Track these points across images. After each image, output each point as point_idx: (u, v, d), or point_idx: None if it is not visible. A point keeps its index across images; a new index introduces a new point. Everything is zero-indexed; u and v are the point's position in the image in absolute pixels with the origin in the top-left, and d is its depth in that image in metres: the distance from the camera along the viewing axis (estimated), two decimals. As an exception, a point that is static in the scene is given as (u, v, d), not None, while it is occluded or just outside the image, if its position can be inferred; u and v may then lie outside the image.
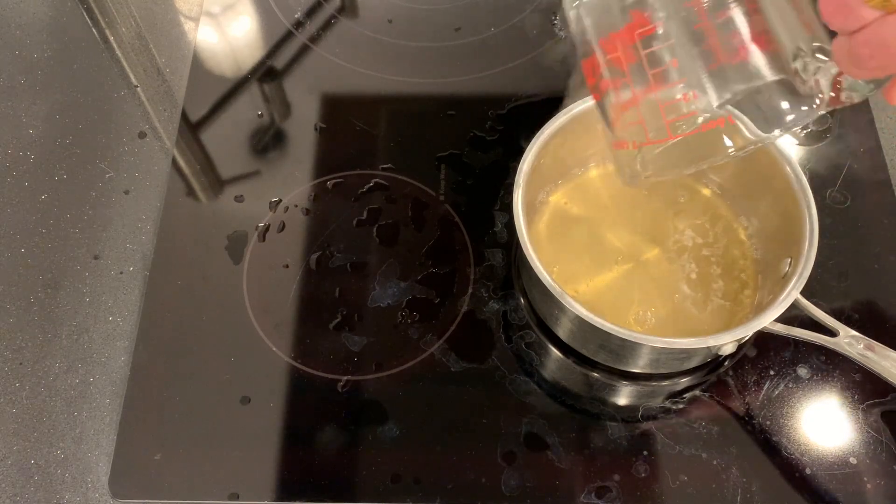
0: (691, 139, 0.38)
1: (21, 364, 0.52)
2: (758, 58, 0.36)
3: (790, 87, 0.36)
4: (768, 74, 0.36)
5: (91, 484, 0.49)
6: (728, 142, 0.38)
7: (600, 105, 0.42)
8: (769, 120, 0.37)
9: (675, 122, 0.37)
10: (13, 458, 0.49)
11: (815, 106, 0.36)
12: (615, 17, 0.38)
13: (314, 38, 0.67)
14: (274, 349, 0.52)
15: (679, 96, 0.37)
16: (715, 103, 0.37)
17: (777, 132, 0.37)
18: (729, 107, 0.37)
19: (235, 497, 0.47)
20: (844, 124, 0.61)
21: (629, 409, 0.50)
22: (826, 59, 0.35)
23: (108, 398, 0.51)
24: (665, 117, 0.38)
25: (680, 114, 0.37)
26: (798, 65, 0.36)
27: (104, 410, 0.51)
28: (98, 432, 0.50)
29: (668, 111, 0.37)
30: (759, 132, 0.37)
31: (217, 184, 0.60)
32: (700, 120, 0.37)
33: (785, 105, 0.36)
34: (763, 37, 0.36)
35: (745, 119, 0.37)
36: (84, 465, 0.49)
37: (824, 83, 0.35)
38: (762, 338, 0.51)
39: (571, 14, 0.40)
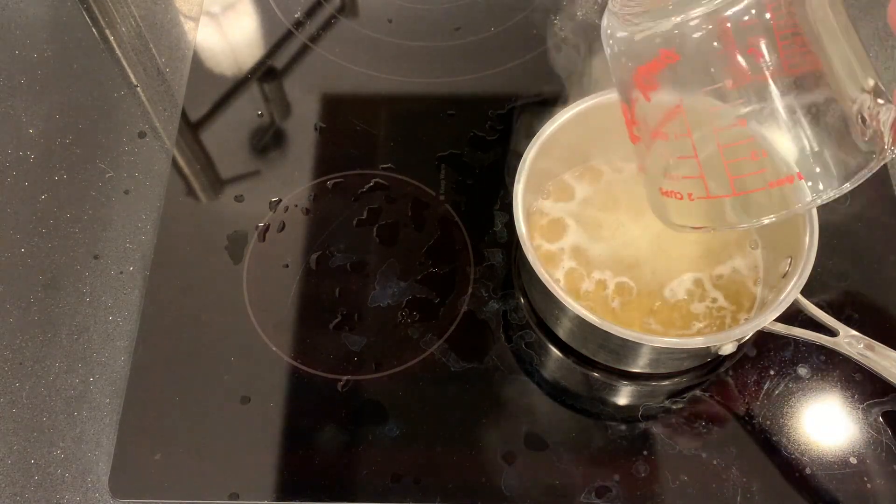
0: (749, 196, 0.37)
1: (21, 364, 0.52)
2: (828, 106, 0.34)
3: (848, 139, 0.35)
4: (837, 121, 0.34)
5: (91, 484, 0.49)
6: (793, 198, 0.36)
7: (640, 150, 0.41)
8: (836, 175, 0.35)
9: (741, 178, 0.36)
10: (13, 458, 0.49)
11: (880, 154, 0.34)
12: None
13: (314, 38, 0.67)
14: (274, 349, 0.52)
15: (746, 154, 0.36)
16: (790, 161, 0.35)
17: (847, 185, 0.35)
18: (800, 163, 0.35)
19: (235, 497, 0.47)
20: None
21: (629, 409, 0.50)
22: (884, 101, 0.34)
23: (108, 398, 0.51)
24: (730, 174, 0.37)
25: (747, 171, 0.36)
26: (860, 107, 0.34)
27: (104, 410, 0.51)
28: (98, 432, 0.50)
29: (734, 168, 0.36)
30: (822, 189, 0.36)
31: (217, 184, 0.60)
32: (769, 178, 0.36)
33: (851, 157, 0.35)
34: (822, 82, 0.34)
35: (813, 178, 0.36)
36: (84, 465, 0.49)
37: (885, 127, 0.34)
38: (762, 338, 0.51)
39: (609, 50, 0.38)
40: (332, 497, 0.47)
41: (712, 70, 0.35)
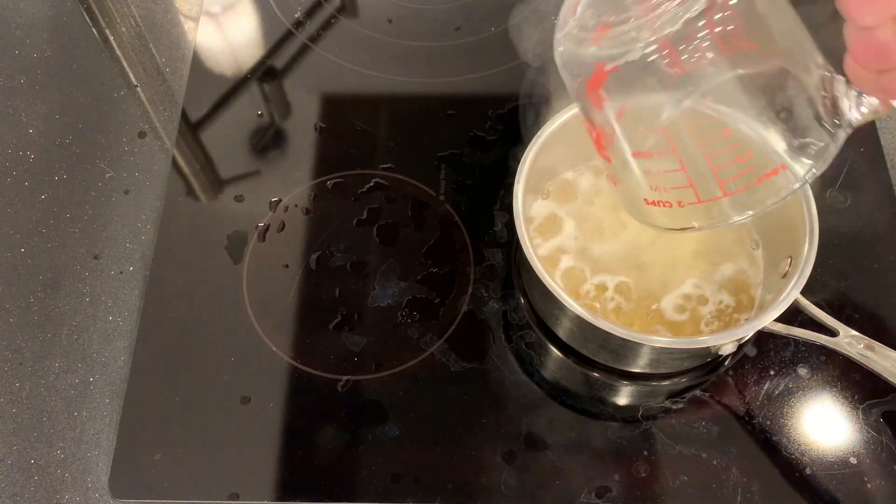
0: (738, 194, 0.37)
1: (21, 364, 0.52)
2: (794, 89, 0.35)
3: (816, 116, 0.35)
4: (803, 102, 0.35)
5: (91, 484, 0.49)
6: (778, 188, 0.37)
7: (616, 167, 0.41)
8: (812, 156, 0.36)
9: (729, 181, 0.37)
10: (13, 458, 0.49)
11: (845, 123, 0.35)
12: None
13: (314, 38, 0.67)
14: (274, 349, 0.52)
15: (733, 159, 0.36)
16: (772, 153, 0.36)
17: (822, 164, 0.36)
18: (782, 154, 0.36)
19: (235, 497, 0.47)
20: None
21: (629, 409, 0.50)
22: (835, 74, 0.35)
23: (108, 398, 0.51)
24: (719, 178, 0.37)
25: (736, 173, 0.37)
26: (817, 85, 0.34)
27: (104, 410, 0.51)
28: (98, 432, 0.50)
29: (723, 173, 0.37)
30: (801, 172, 0.36)
31: (217, 184, 0.60)
32: (755, 175, 0.37)
33: (821, 132, 0.35)
34: (782, 69, 0.35)
35: (792, 164, 0.36)
36: (84, 465, 0.49)
37: (842, 98, 0.34)
38: (762, 338, 0.51)
39: (564, 73, 0.39)
40: (332, 497, 0.47)
41: (656, 73, 0.35)
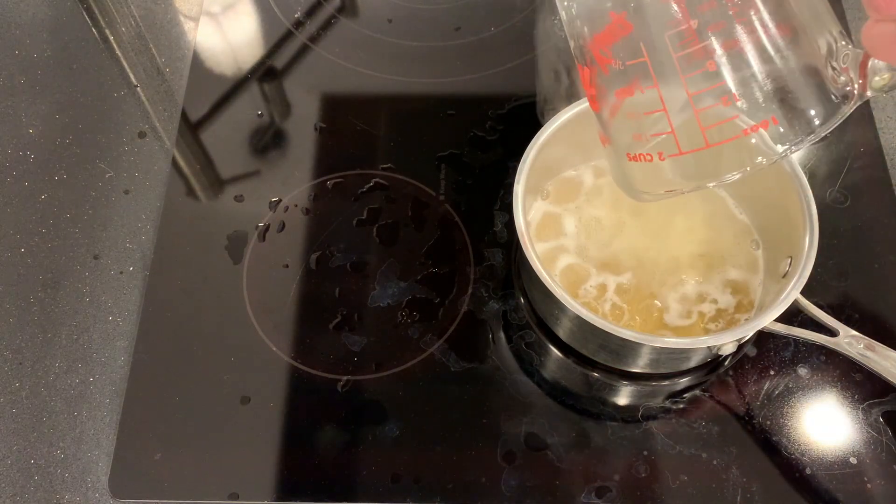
0: (722, 148, 0.35)
1: (21, 364, 0.52)
2: (796, 48, 0.34)
3: (820, 83, 0.34)
4: (807, 64, 0.33)
5: (91, 484, 0.49)
6: (766, 147, 0.35)
7: (603, 116, 0.39)
8: (808, 121, 0.34)
9: (714, 128, 0.35)
10: (13, 458, 0.49)
11: (852, 96, 0.34)
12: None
13: (314, 38, 0.67)
14: (274, 349, 0.52)
15: (717, 101, 0.34)
16: (762, 103, 0.34)
17: (820, 131, 0.34)
18: (773, 107, 0.34)
19: (235, 497, 0.47)
20: (844, 124, 0.61)
21: (629, 409, 0.50)
22: (851, 45, 0.34)
23: (108, 398, 0.51)
24: (701, 124, 0.35)
25: (721, 119, 0.35)
26: (828, 53, 0.33)
27: (104, 410, 0.51)
28: (98, 432, 0.50)
29: (706, 118, 0.35)
30: (796, 136, 0.35)
31: (217, 184, 0.60)
32: (742, 125, 0.35)
33: (823, 99, 0.34)
34: (788, 24, 0.34)
35: (785, 121, 0.34)
36: (84, 465, 0.49)
37: (853, 71, 0.33)
38: (762, 338, 0.51)
39: (564, 13, 0.38)
40: (332, 497, 0.47)
41: (668, 40, 0.34)
